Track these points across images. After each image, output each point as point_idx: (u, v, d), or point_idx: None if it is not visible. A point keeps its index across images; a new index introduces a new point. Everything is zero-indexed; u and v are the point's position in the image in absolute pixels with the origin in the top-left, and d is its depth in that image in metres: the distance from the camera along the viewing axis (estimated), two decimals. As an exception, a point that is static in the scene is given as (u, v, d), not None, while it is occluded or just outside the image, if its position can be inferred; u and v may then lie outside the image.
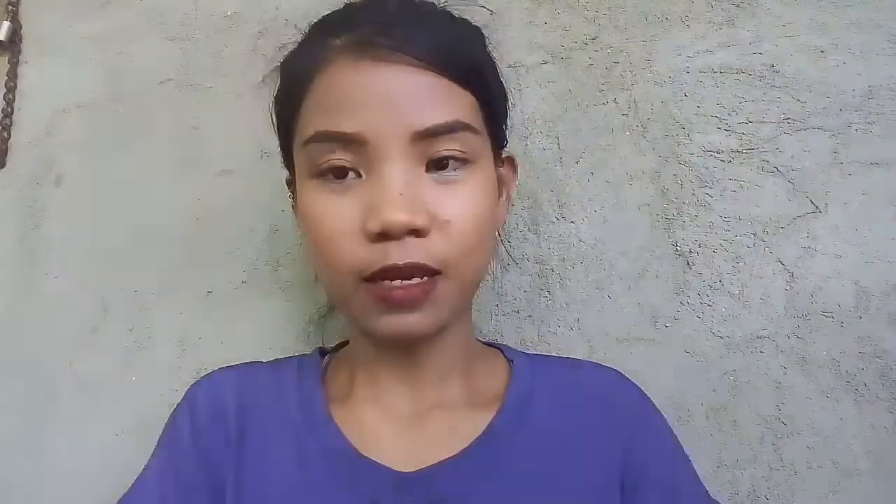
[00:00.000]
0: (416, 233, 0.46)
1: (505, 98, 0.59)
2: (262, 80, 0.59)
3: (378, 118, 0.47)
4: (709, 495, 0.56)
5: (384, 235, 0.46)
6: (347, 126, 0.47)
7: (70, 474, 0.85)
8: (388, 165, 0.47)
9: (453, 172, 0.49)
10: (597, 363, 0.63)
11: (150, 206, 0.85)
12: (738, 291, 0.68)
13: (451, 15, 0.57)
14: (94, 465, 0.84)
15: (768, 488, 0.65)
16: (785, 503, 0.64)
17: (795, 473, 0.64)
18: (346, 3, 0.55)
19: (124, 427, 0.83)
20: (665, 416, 0.58)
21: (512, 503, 0.51)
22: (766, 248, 0.68)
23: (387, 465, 0.51)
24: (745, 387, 0.67)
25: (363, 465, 0.51)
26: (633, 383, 0.59)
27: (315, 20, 0.56)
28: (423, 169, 0.48)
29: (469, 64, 0.51)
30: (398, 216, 0.45)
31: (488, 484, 0.51)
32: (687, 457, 0.57)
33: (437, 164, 0.48)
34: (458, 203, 0.48)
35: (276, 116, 0.56)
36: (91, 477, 0.84)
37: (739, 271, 0.68)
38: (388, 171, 0.47)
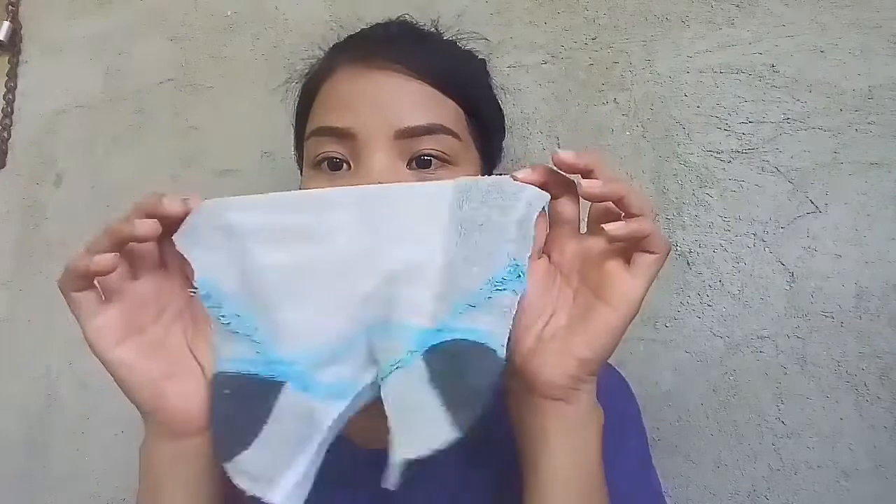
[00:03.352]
0: None
1: (500, 119, 0.65)
2: (282, 86, 0.65)
3: (366, 116, 0.52)
4: (646, 477, 0.56)
5: None
6: (340, 122, 0.53)
7: (70, 474, 0.85)
8: (372, 157, 0.52)
9: (433, 172, 0.53)
10: None
11: (150, 206, 0.85)
12: (738, 291, 0.68)
13: (454, 42, 0.65)
14: (94, 465, 0.84)
15: (768, 488, 0.65)
16: (785, 503, 0.64)
17: (795, 473, 0.64)
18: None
19: (124, 427, 0.83)
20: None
21: (476, 479, 0.54)
22: (766, 248, 0.68)
23: (362, 445, 0.55)
24: (745, 387, 0.67)
25: (339, 444, 0.57)
26: (615, 371, 0.60)
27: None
28: (405, 165, 0.52)
29: (458, 79, 0.56)
30: None
31: (453, 461, 0.54)
32: (643, 443, 0.57)
33: (419, 163, 0.53)
34: None
35: (295, 122, 0.63)
36: (91, 477, 0.84)
37: (739, 271, 0.68)
38: (371, 162, 0.51)
